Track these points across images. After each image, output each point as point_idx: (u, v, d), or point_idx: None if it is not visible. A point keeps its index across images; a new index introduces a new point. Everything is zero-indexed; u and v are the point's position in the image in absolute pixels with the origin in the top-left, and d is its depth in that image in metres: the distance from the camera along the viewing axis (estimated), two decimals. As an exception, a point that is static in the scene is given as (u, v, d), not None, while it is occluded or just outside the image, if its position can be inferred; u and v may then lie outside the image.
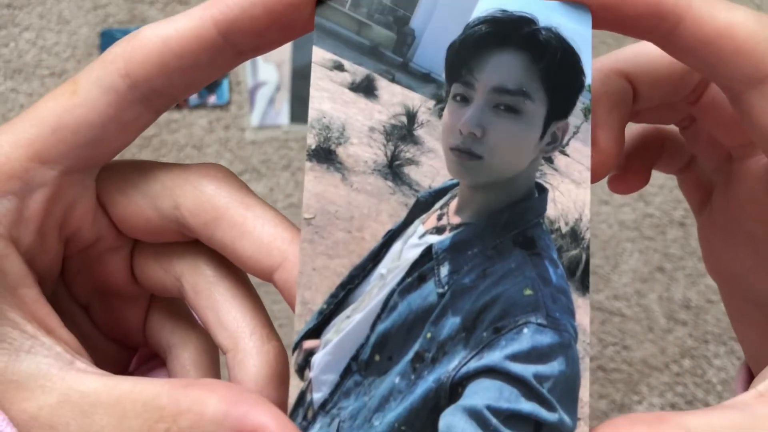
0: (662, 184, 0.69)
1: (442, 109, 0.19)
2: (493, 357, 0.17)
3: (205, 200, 0.20)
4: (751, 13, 0.18)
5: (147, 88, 0.19)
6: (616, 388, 0.67)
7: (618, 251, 0.70)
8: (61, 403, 0.18)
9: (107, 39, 0.73)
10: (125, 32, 0.72)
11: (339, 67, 0.19)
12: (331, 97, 0.19)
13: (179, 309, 0.23)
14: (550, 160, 0.19)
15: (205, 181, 0.20)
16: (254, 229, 0.20)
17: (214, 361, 0.23)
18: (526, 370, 0.17)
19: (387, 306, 0.18)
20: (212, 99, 0.72)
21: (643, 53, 0.21)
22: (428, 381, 0.18)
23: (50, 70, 0.74)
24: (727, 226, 0.24)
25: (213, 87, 0.72)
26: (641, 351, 0.68)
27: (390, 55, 0.19)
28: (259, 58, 0.71)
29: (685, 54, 0.19)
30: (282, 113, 0.72)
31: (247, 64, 0.71)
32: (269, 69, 0.72)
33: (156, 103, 0.20)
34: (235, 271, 0.21)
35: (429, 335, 0.18)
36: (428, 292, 0.18)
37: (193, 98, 0.72)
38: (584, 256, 0.18)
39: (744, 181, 0.23)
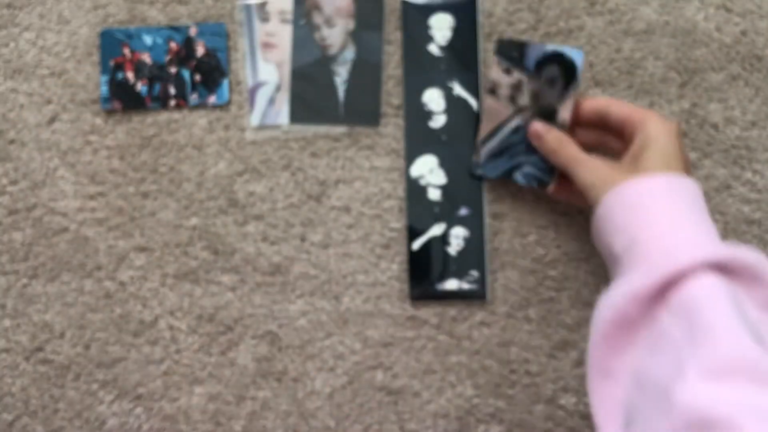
0: (662, 184, 0.69)
1: None
2: None
3: None
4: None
5: None
6: (618, 388, 0.67)
7: (618, 251, 0.70)
8: None
9: (107, 39, 0.73)
10: (125, 32, 0.72)
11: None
12: None
13: None
14: None
15: None
16: None
17: None
18: None
19: None
20: (212, 99, 0.72)
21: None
22: None
23: (50, 70, 0.73)
24: None
25: (213, 87, 0.72)
26: (642, 351, 0.68)
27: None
28: (259, 58, 0.71)
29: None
30: (282, 113, 0.71)
31: (247, 63, 0.71)
32: (269, 69, 0.72)
33: None
34: None
35: None
36: None
37: (193, 98, 0.72)
38: None
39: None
